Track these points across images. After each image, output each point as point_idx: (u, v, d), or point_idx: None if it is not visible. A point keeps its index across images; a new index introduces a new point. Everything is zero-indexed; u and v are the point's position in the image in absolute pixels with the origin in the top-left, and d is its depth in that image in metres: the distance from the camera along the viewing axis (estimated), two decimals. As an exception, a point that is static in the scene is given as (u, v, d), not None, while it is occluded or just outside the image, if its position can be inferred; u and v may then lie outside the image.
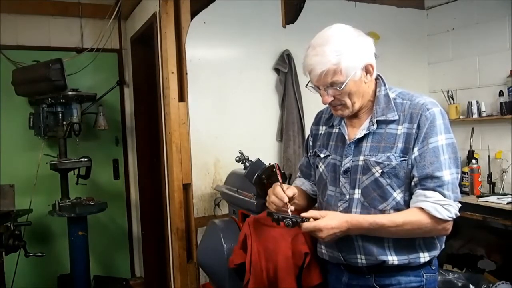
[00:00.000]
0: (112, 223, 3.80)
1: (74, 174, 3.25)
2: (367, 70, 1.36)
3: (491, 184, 3.18)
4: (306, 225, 1.28)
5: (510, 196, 2.89)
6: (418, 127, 1.31)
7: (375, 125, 1.38)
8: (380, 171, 1.34)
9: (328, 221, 1.28)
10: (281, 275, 1.83)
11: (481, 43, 3.35)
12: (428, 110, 1.32)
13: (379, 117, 1.37)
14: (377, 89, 1.42)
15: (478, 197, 2.99)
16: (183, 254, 2.75)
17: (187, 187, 2.78)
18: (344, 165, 1.42)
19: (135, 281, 3.83)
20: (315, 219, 1.30)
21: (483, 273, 2.92)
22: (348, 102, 1.37)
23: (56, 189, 3.27)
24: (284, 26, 3.13)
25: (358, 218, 1.31)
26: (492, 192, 3.14)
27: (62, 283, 3.42)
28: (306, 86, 1.42)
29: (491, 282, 2.75)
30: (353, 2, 3.39)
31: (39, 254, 2.73)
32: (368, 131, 1.38)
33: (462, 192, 3.15)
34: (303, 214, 1.32)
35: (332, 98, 1.36)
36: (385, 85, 1.42)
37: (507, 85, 3.14)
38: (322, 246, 1.52)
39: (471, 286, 2.71)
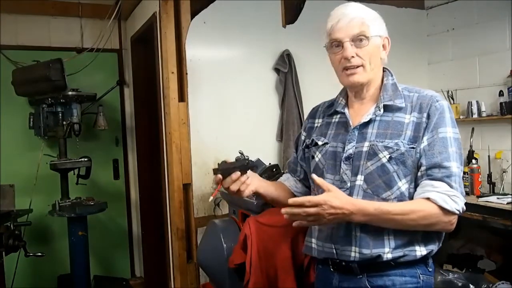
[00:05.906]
0: (112, 223, 3.80)
1: (74, 174, 3.25)
2: (384, 44, 1.39)
3: (491, 184, 3.18)
4: (309, 198, 1.20)
5: (510, 196, 2.88)
6: (428, 117, 1.31)
7: (382, 110, 1.35)
8: (388, 156, 1.29)
9: (332, 198, 1.19)
10: (281, 275, 1.83)
11: (481, 43, 3.34)
12: (437, 101, 1.33)
13: (386, 102, 1.36)
14: (385, 78, 1.43)
15: (478, 197, 2.99)
16: (183, 254, 2.75)
17: (187, 187, 2.78)
18: (346, 151, 1.36)
19: (135, 281, 3.83)
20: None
21: (483, 273, 2.92)
22: (368, 65, 1.35)
23: (56, 189, 3.27)
24: (284, 26, 3.13)
25: (362, 203, 1.25)
26: (492, 192, 3.14)
27: (62, 283, 3.43)
28: (324, 46, 1.40)
29: (491, 282, 2.74)
30: (353, 2, 3.39)
31: (39, 254, 2.72)
32: (374, 116, 1.36)
33: (462, 192, 3.16)
34: (314, 177, 1.27)
35: (354, 55, 1.33)
36: (392, 75, 1.44)
37: (507, 85, 3.14)
38: (312, 240, 1.43)
39: (471, 286, 2.71)
